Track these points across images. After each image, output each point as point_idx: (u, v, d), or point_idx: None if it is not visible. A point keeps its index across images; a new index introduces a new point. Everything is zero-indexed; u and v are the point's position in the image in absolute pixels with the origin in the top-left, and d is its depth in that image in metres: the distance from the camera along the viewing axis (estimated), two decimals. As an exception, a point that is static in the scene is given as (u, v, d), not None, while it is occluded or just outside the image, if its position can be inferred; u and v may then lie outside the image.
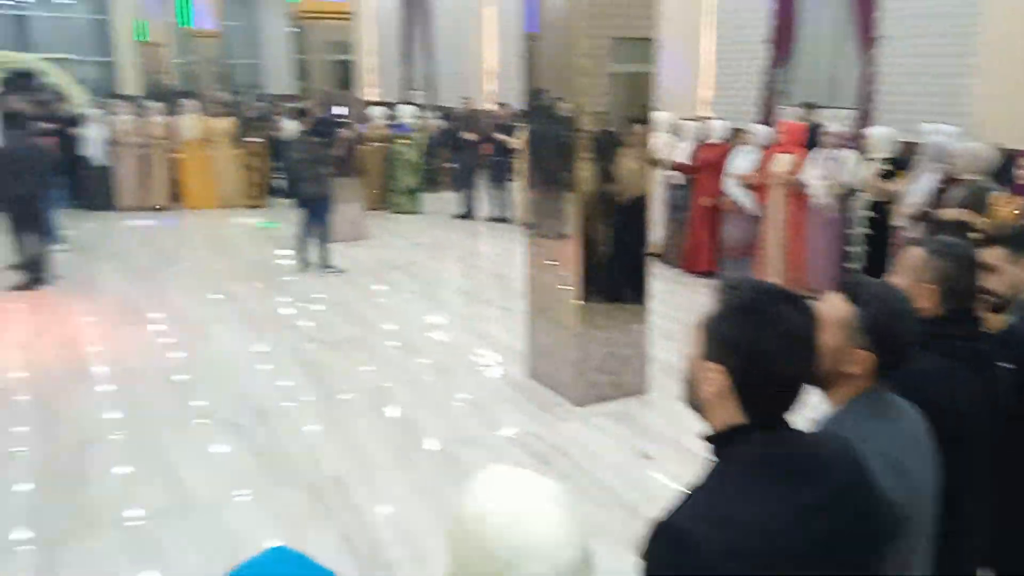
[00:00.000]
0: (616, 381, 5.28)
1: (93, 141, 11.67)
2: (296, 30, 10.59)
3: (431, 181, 12.83)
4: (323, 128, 9.20)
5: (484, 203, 11.58)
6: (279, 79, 30.30)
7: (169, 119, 12.25)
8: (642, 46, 5.11)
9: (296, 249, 8.66)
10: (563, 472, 4.35)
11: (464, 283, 8.69)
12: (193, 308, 7.38)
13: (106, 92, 24.65)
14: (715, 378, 1.34)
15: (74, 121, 11.91)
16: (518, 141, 10.65)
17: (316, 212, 8.49)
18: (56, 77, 13.99)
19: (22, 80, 15.43)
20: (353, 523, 3.89)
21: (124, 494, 4.14)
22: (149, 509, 3.97)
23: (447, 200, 12.27)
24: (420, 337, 6.61)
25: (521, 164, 10.27)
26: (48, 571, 3.50)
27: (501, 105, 13.07)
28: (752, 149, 7.91)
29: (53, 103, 12.81)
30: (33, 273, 7.82)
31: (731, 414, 1.34)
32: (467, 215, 11.63)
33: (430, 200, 12.31)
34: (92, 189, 11.90)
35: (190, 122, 12.17)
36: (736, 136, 8.25)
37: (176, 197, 12.31)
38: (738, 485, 1.30)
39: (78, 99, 13.23)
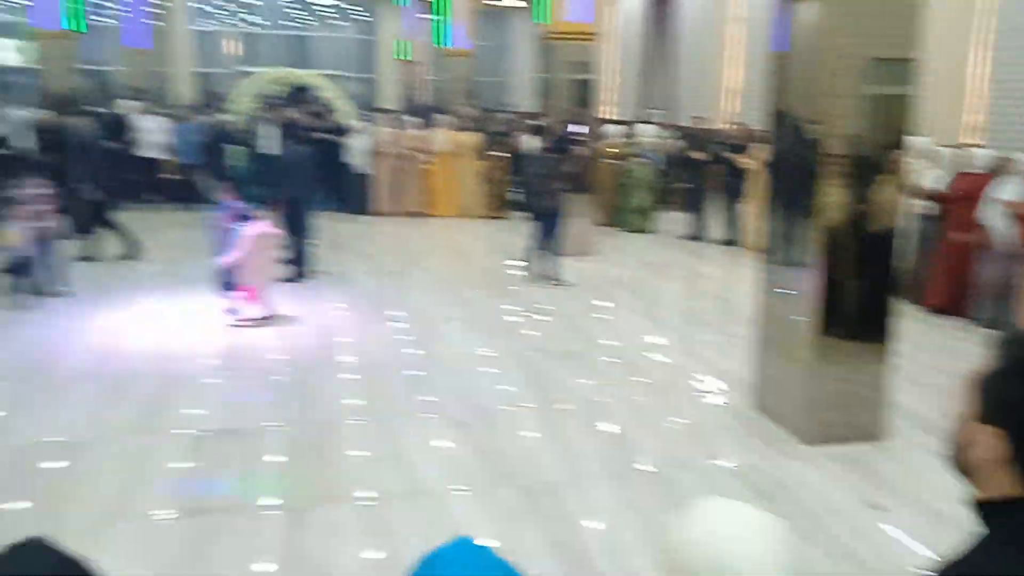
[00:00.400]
0: (850, 422, 4.95)
1: (356, 150, 12.80)
2: (542, 49, 10.98)
3: (664, 201, 12.76)
4: (561, 145, 9.47)
5: (713, 224, 11.33)
6: (522, 97, 31.48)
7: (423, 132, 13.16)
8: (901, 66, 4.78)
9: (527, 260, 8.95)
10: (784, 512, 4.13)
11: (688, 305, 8.55)
12: (430, 309, 7.86)
13: (368, 106, 26.86)
14: (991, 443, 1.20)
15: (340, 131, 13.11)
16: (750, 162, 10.32)
17: (549, 226, 8.74)
18: (329, 91, 15.46)
19: (301, 94, 17.24)
20: (563, 530, 3.95)
21: (360, 474, 4.48)
22: (380, 491, 4.27)
23: (678, 220, 12.14)
24: (640, 356, 6.59)
25: (754, 186, 9.94)
26: (293, 535, 3.87)
27: (735, 124, 12.73)
28: (1021, 180, 7.12)
29: (325, 115, 14.18)
30: (298, 267, 8.69)
31: (1007, 483, 1.19)
32: (696, 236, 11.44)
33: (662, 220, 12.25)
34: (352, 194, 13.05)
35: (442, 135, 12.99)
36: (1002, 165, 7.46)
37: (425, 204, 13.16)
38: (1009, 564, 1.17)
39: (346, 112, 14.53)
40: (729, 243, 10.90)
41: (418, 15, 25.02)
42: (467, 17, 19.03)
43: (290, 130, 10.92)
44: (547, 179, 8.77)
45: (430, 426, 5.14)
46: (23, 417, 5.06)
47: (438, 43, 19.57)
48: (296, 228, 8.62)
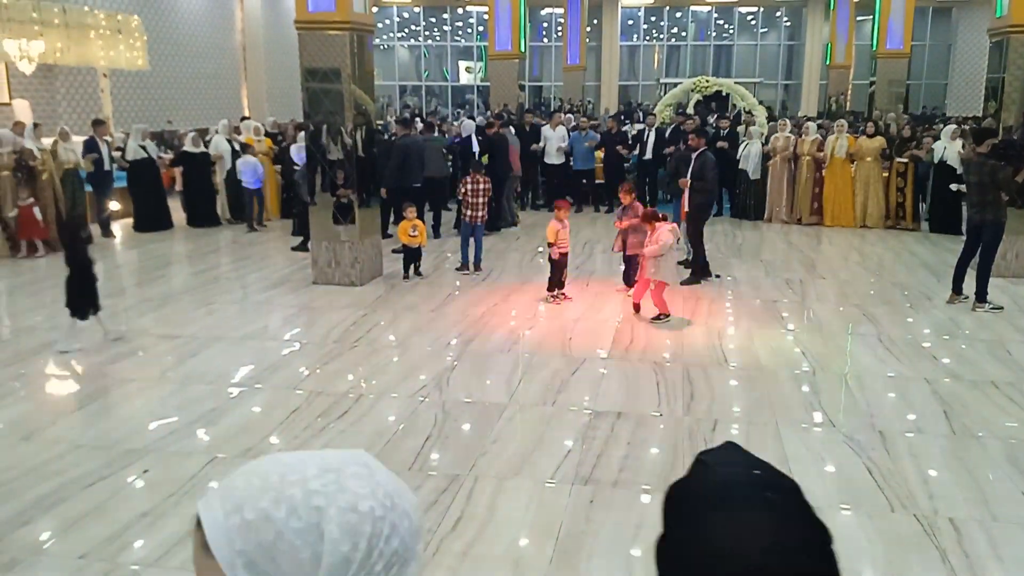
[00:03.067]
0: None
1: (751, 156, 12.65)
2: (995, 47, 9.70)
3: None
4: (1010, 151, 8.30)
5: None
6: (964, 99, 28.08)
7: (819, 137, 12.65)
8: None
9: (953, 278, 8.04)
10: None
11: None
12: (830, 321, 7.49)
13: (784, 113, 26.13)
14: None
15: (735, 138, 13.06)
16: None
17: (983, 240, 7.74)
18: (744, 99, 15.40)
19: (714, 101, 17.44)
20: (963, 571, 3.55)
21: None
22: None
23: None
24: (1090, 398, 5.57)
25: None
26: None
27: None
28: None
29: (732, 121, 14.22)
30: (698, 270, 8.85)
31: None
32: None
33: None
34: (745, 200, 12.94)
35: (842, 141, 12.30)
36: None
37: (821, 212, 12.58)
38: None
39: (759, 119, 14.36)
40: None
41: (851, 17, 23.62)
42: (905, 16, 17.52)
43: (678, 134, 11.24)
44: (986, 188, 7.77)
45: (819, 440, 4.94)
46: (456, 380, 5.94)
47: (873, 45, 18.28)
48: (696, 233, 8.82)
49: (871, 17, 19.32)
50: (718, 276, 9.16)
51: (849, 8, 23.61)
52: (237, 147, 12.23)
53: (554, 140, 13.41)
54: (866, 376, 6.07)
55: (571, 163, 13.54)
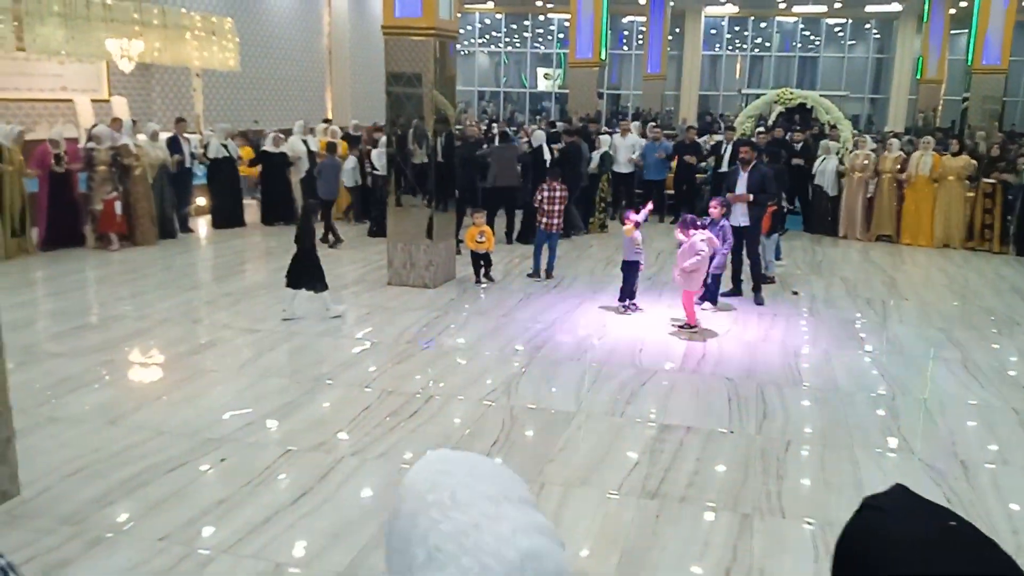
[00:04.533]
0: None
1: (827, 172, 12.37)
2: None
3: None
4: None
5: None
6: (1066, 118, 26.89)
7: (903, 154, 12.32)
8: None
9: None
10: None
11: None
12: (911, 344, 7.25)
13: (871, 127, 25.43)
14: None
15: (811, 154, 12.78)
16: None
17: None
18: (829, 112, 15.04)
19: (798, 114, 17.07)
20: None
21: (811, 497, 4.39)
22: (830, 518, 4.13)
23: None
24: None
25: None
26: (742, 538, 3.95)
27: None
28: None
29: (814, 136, 13.92)
30: (756, 292, 8.63)
31: None
32: None
33: None
34: (820, 215, 12.70)
35: (925, 159, 11.95)
36: None
37: (898, 231, 12.29)
38: None
39: (844, 133, 14.01)
40: None
41: (945, 30, 22.84)
42: (1004, 30, 16.85)
43: (771, 150, 11.02)
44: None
45: (894, 466, 4.80)
46: (523, 386, 5.96)
47: (969, 60, 17.63)
48: (757, 245, 8.60)
49: (967, 31, 18.64)
50: (796, 293, 8.97)
51: (944, 21, 22.84)
52: (313, 148, 12.51)
53: (623, 149, 13.34)
54: (948, 402, 5.86)
55: (643, 173, 13.47)
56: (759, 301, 8.42)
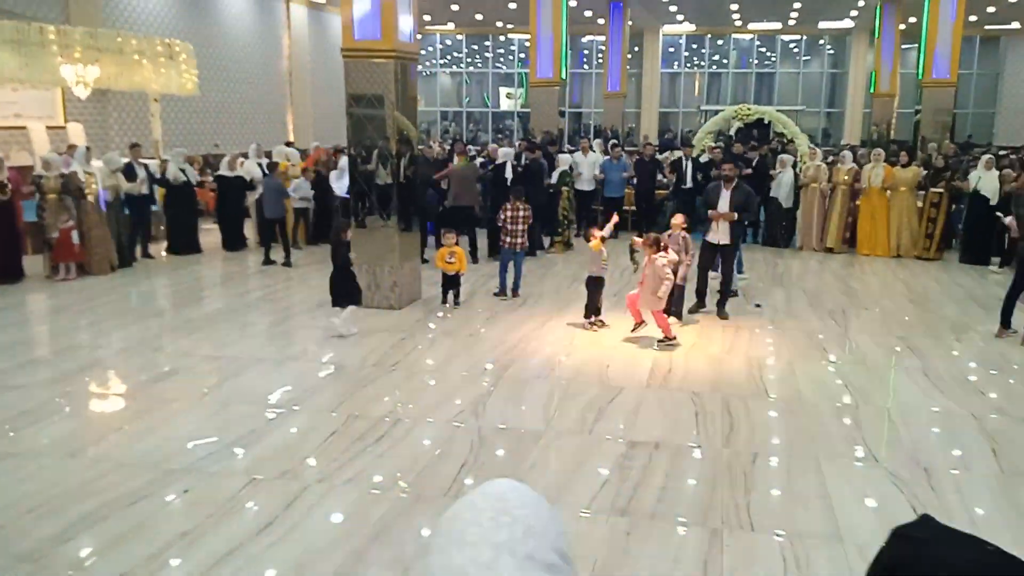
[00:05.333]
0: None
1: (783, 184, 12.63)
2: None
3: None
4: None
5: None
6: (1014, 129, 27.61)
7: (855, 167, 12.66)
8: None
9: (1002, 311, 7.87)
10: None
11: None
12: (874, 354, 7.36)
13: (827, 140, 25.91)
14: None
15: (767, 168, 13.01)
16: None
17: (1030, 274, 7.58)
18: (784, 127, 15.31)
19: (756, 129, 17.34)
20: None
21: (778, 510, 4.41)
22: (797, 530, 4.15)
23: None
24: None
25: None
26: (712, 554, 3.96)
27: None
28: None
29: (767, 151, 14.17)
30: (721, 307, 8.72)
31: None
32: None
33: None
34: (776, 228, 12.97)
35: (876, 170, 12.29)
36: None
37: (849, 241, 12.64)
38: None
39: (801, 147, 14.27)
40: None
41: (896, 46, 23.41)
42: (952, 45, 17.31)
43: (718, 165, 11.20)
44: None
45: (860, 475, 4.85)
46: (492, 406, 5.94)
47: (919, 74, 18.06)
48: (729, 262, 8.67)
49: (917, 45, 19.12)
50: (759, 305, 9.07)
51: (894, 36, 23.39)
52: (267, 171, 12.46)
53: (586, 167, 13.48)
54: (910, 410, 5.95)
55: (604, 190, 13.62)
56: (723, 315, 8.49)
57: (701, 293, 8.68)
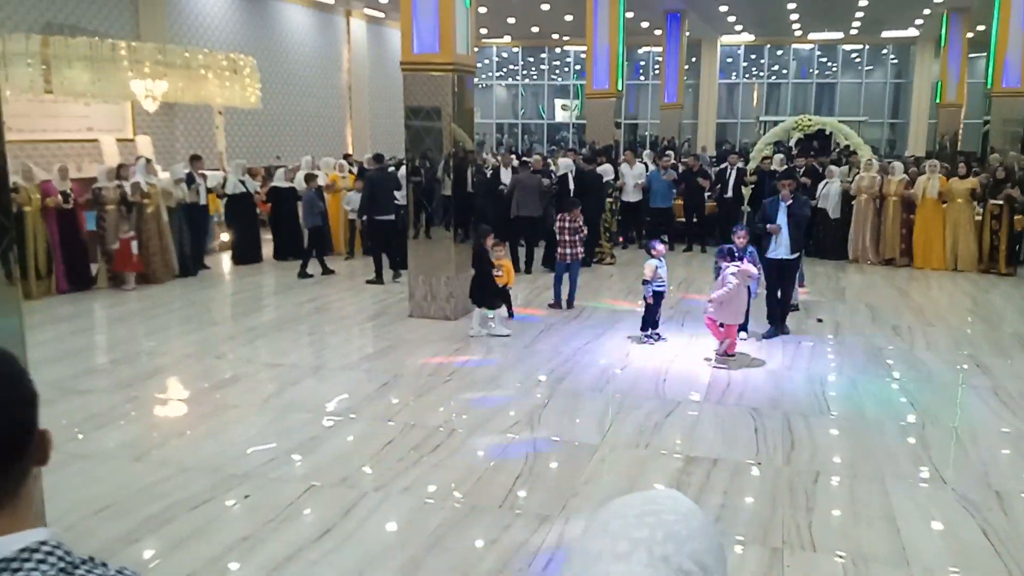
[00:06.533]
0: None
1: (831, 195, 12.38)
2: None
3: None
4: None
5: None
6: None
7: (906, 178, 12.39)
8: None
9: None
10: None
11: None
12: (939, 371, 7.14)
13: (891, 152, 25.28)
14: None
15: (820, 176, 12.78)
16: None
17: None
18: (848, 137, 15.01)
19: (816, 140, 17.04)
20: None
21: (843, 532, 4.30)
22: (862, 551, 4.04)
23: None
24: None
25: None
26: (772, 573, 3.88)
27: None
28: None
29: (833, 162, 13.94)
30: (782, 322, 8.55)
31: None
32: None
33: None
34: (826, 240, 12.74)
35: (931, 181, 11.98)
36: None
37: (906, 253, 12.32)
38: None
39: (864, 156, 13.97)
40: None
41: (963, 54, 22.78)
42: (1022, 53, 16.76)
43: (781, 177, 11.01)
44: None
45: (926, 496, 4.70)
46: (546, 418, 5.92)
47: (988, 83, 17.52)
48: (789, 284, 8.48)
49: (985, 54, 18.57)
50: (820, 320, 8.88)
51: (962, 45, 22.77)
52: (321, 183, 12.65)
53: (630, 178, 13.42)
54: (979, 431, 5.75)
55: (650, 200, 13.54)
56: (784, 331, 8.30)
57: (773, 316, 8.25)
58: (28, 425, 1.02)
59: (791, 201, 8.03)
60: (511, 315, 8.88)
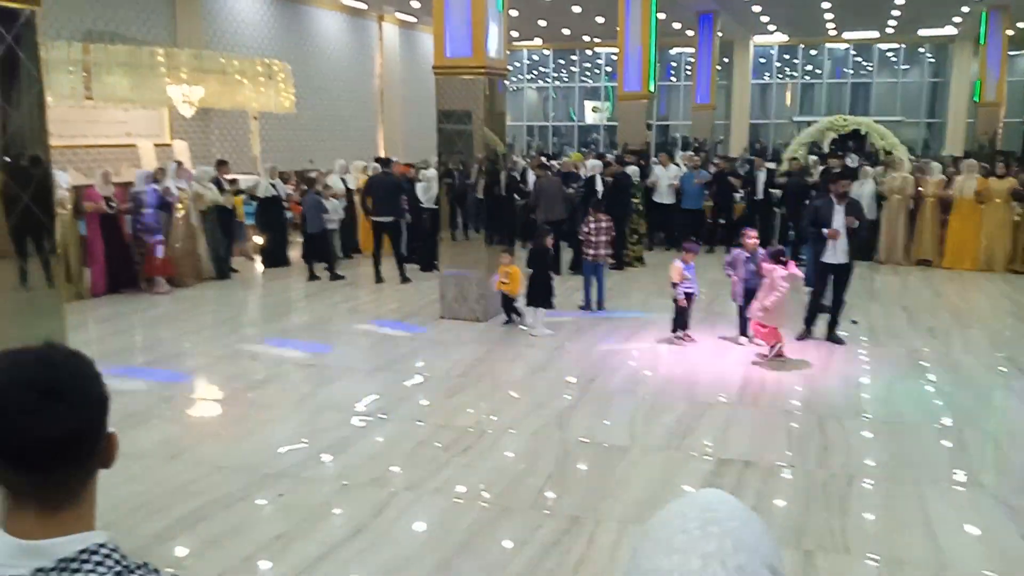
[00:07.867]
0: None
1: (862, 196, 12.18)
2: None
3: None
4: None
5: None
6: None
7: (943, 178, 12.20)
8: None
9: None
10: None
11: None
12: (979, 374, 7.01)
13: (927, 152, 24.89)
14: None
15: (854, 175, 12.57)
16: None
17: None
18: (882, 138, 14.81)
19: (852, 140, 16.83)
20: None
21: (877, 535, 4.25)
22: (897, 556, 3.99)
23: None
24: None
25: None
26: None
27: None
28: None
29: (863, 162, 13.75)
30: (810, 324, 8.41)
31: None
32: None
33: None
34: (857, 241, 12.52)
35: (968, 181, 11.79)
36: None
37: (938, 255, 12.15)
38: None
39: (899, 157, 13.77)
40: None
41: (1003, 52, 22.35)
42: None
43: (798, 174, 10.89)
44: None
45: (964, 501, 4.62)
46: (576, 419, 5.92)
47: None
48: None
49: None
50: (855, 321, 8.76)
51: (1001, 43, 22.34)
52: (351, 186, 12.69)
53: (664, 179, 13.36)
54: (1018, 434, 5.64)
55: (681, 202, 13.48)
56: (836, 339, 7.96)
57: (810, 320, 8.03)
58: (99, 427, 1.04)
59: (847, 201, 7.75)
60: (509, 320, 8.75)
